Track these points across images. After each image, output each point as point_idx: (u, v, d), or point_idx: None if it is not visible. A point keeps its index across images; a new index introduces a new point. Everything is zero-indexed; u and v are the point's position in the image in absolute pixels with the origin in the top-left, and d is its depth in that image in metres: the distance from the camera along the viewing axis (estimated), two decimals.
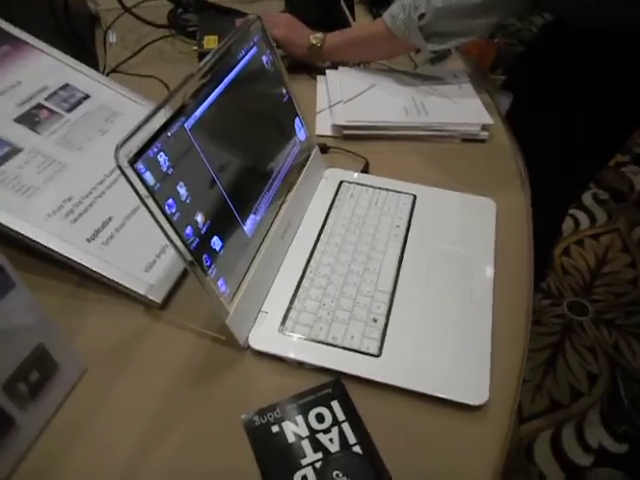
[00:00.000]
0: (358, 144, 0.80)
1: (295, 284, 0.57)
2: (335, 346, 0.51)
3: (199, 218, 0.47)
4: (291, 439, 0.45)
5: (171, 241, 0.44)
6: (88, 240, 0.56)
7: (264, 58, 0.61)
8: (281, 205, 0.61)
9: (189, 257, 0.45)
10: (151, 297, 0.55)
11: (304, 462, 0.44)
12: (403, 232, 0.63)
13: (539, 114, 0.93)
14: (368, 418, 0.47)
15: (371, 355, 0.51)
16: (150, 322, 0.54)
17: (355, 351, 0.51)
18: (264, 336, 0.52)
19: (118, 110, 0.70)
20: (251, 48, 0.58)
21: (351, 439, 0.45)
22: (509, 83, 1.05)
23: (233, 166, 0.53)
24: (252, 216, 0.56)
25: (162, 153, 0.43)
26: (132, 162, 0.40)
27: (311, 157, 0.69)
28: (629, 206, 1.96)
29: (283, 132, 0.65)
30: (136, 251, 0.57)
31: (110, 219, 0.59)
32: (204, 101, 0.49)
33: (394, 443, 0.45)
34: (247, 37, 0.58)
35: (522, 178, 0.77)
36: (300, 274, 0.58)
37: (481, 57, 1.05)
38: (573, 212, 1.88)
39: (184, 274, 0.58)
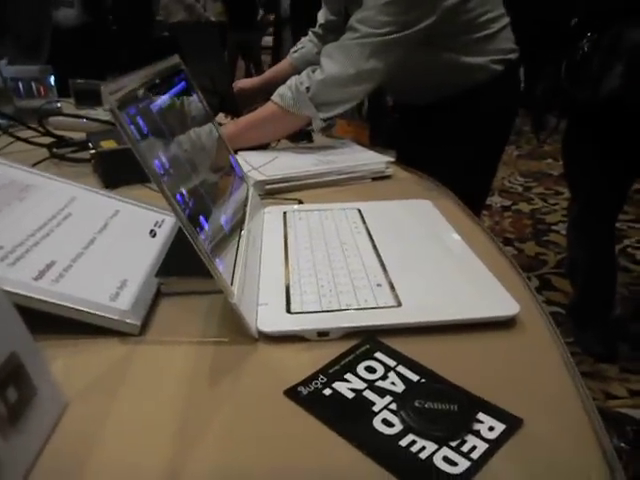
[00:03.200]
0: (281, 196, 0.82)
1: (283, 278, 0.53)
2: (352, 310, 0.47)
3: (184, 191, 0.44)
4: (350, 395, 0.38)
5: (167, 197, 0.39)
6: (35, 279, 0.47)
7: (193, 93, 0.63)
8: (242, 222, 0.59)
9: (186, 221, 0.40)
10: (128, 320, 0.46)
11: (376, 409, 0.37)
12: (364, 229, 0.64)
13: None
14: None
15: (392, 307, 0.47)
16: (131, 349, 0.45)
17: (375, 308, 0.47)
18: (274, 320, 0.46)
19: (31, 184, 0.64)
20: (181, 80, 0.60)
21: (413, 377, 0.40)
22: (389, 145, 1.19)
23: (196, 161, 0.51)
24: (223, 216, 0.52)
25: (139, 117, 0.41)
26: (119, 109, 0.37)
27: (250, 193, 0.69)
28: None
29: (224, 159, 0.65)
30: (94, 284, 0.49)
31: (53, 262, 0.50)
32: (162, 95, 0.49)
33: (456, 376, 0.40)
34: (174, 71, 0.60)
35: (438, 189, 0.85)
36: (283, 270, 0.54)
37: (356, 138, 1.19)
38: None
39: (156, 299, 0.51)
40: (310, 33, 1.32)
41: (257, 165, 0.90)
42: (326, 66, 0.94)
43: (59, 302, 0.45)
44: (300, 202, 0.77)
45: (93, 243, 0.56)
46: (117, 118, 0.37)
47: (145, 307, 0.49)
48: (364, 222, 0.66)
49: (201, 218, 0.45)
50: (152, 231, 0.64)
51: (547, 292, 2.04)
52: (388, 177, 0.91)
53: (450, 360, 0.42)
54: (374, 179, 0.90)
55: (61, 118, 1.37)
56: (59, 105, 1.49)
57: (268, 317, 0.46)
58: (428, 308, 0.47)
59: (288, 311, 0.47)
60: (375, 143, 1.17)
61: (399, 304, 0.47)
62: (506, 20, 1.11)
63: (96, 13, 2.68)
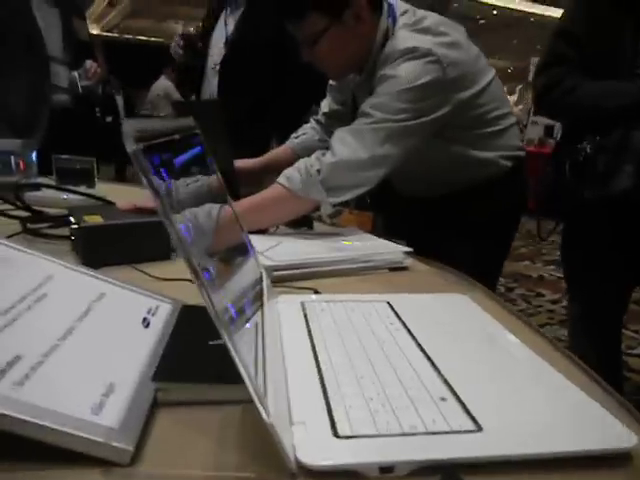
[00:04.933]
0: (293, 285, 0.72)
1: (319, 388, 0.41)
2: (420, 434, 0.35)
3: (211, 269, 0.33)
4: None
5: (194, 271, 0.29)
6: None
7: (209, 160, 0.55)
8: (260, 317, 0.48)
9: (221, 313, 0.30)
10: (116, 444, 0.33)
11: None
12: (401, 325, 0.54)
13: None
14: None
15: (470, 432, 0.36)
16: None
17: (448, 433, 0.36)
18: (318, 448, 0.34)
19: (5, 256, 0.53)
20: (198, 143, 0.52)
21: None
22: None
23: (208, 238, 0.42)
24: (246, 301, 0.42)
25: (163, 170, 0.32)
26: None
27: (264, 278, 0.59)
28: None
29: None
30: (71, 390, 0.37)
31: (18, 358, 0.38)
32: (183, 153, 0.40)
33: None
34: (190, 132, 0.52)
35: (463, 282, 0.76)
36: (317, 378, 0.42)
37: (359, 227, 1.12)
38: None
39: (152, 410, 0.38)
40: (312, 120, 1.30)
41: (261, 250, 0.80)
42: (338, 149, 0.89)
43: (21, 417, 0.32)
44: (316, 292, 0.67)
45: (72, 333, 0.44)
46: (140, 163, 0.27)
47: (139, 423, 0.36)
48: (399, 317, 0.56)
49: (229, 306, 0.34)
50: (145, 320, 0.52)
51: None
52: (405, 268, 0.82)
53: None
54: (391, 269, 0.81)
55: (40, 194, 1.27)
56: (38, 181, 1.40)
57: (309, 443, 0.34)
58: (519, 436, 0.36)
59: (335, 435, 0.35)
60: (379, 232, 1.10)
61: (479, 428, 0.36)
62: (513, 119, 1.11)
63: (84, 104, 2.70)
